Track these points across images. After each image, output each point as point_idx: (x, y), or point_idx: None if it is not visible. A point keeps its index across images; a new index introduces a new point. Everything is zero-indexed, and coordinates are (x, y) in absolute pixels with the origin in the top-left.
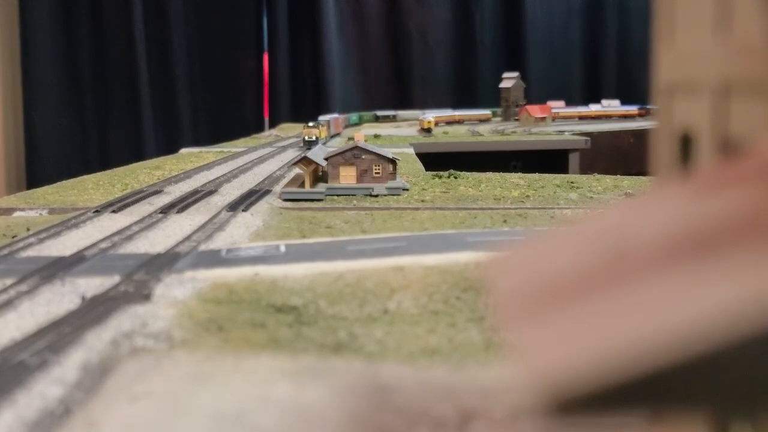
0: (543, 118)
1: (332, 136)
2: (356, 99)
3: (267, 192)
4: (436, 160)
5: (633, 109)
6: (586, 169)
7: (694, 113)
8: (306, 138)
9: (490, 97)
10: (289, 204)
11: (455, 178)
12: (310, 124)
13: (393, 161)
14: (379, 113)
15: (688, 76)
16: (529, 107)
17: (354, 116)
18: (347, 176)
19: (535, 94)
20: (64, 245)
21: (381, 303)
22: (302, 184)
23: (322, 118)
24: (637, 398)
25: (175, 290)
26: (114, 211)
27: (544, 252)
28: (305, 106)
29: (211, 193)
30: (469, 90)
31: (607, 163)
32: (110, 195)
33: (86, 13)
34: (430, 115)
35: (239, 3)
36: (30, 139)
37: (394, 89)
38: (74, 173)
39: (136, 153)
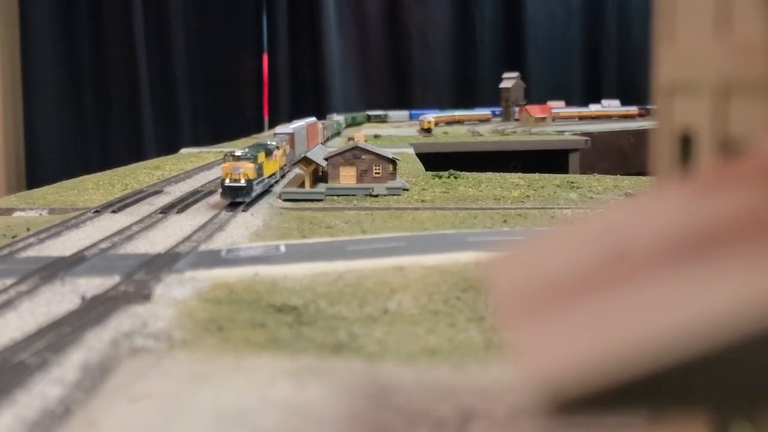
0: (543, 118)
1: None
2: (356, 99)
3: (267, 192)
4: (436, 160)
5: (633, 109)
6: (586, 169)
7: (694, 113)
8: (227, 182)
9: (490, 97)
10: (289, 204)
11: (455, 178)
12: (238, 152)
13: (393, 161)
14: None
15: (688, 76)
16: (529, 107)
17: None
18: (347, 176)
19: (535, 94)
20: (64, 245)
21: (381, 303)
22: (302, 184)
23: (280, 130)
24: (637, 398)
25: (175, 290)
26: (114, 212)
27: (544, 252)
28: (305, 106)
29: (211, 193)
30: (469, 90)
31: (607, 163)
32: (110, 195)
33: (86, 13)
34: (430, 116)
35: (239, 3)
36: (30, 139)
37: (394, 89)
38: (74, 173)
39: (136, 153)
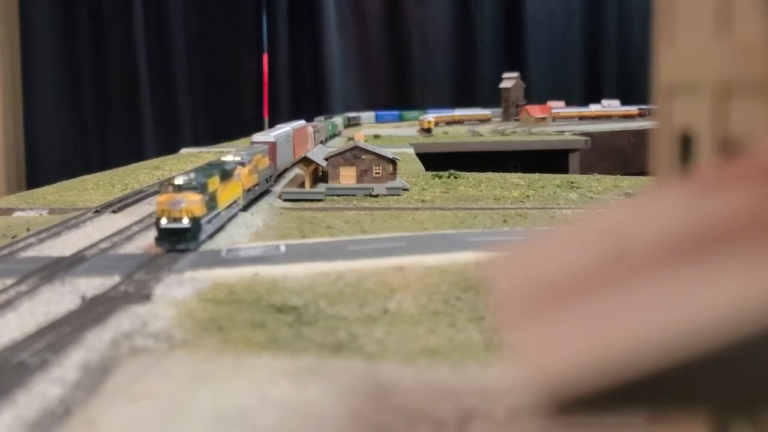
0: (543, 118)
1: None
2: (356, 99)
3: (267, 192)
4: (436, 160)
5: (633, 109)
6: (586, 169)
7: (694, 113)
8: (163, 222)
9: (490, 97)
10: (289, 204)
11: (455, 178)
12: (179, 180)
13: (393, 161)
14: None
15: (688, 76)
16: (529, 107)
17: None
18: (347, 176)
19: (535, 94)
20: (64, 245)
21: (381, 303)
22: (302, 184)
23: (258, 137)
24: (637, 398)
25: (175, 290)
26: (114, 211)
27: (544, 252)
28: (305, 106)
29: None
30: (469, 90)
31: (607, 163)
32: (110, 195)
33: (86, 13)
34: (430, 116)
35: (239, 3)
36: (30, 139)
37: (394, 89)
38: (74, 173)
39: (136, 153)
